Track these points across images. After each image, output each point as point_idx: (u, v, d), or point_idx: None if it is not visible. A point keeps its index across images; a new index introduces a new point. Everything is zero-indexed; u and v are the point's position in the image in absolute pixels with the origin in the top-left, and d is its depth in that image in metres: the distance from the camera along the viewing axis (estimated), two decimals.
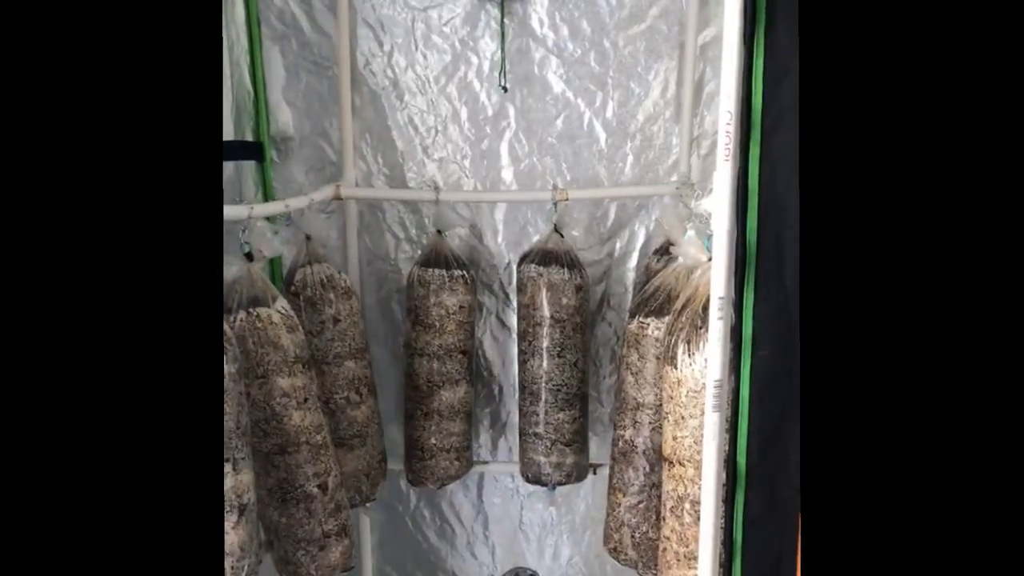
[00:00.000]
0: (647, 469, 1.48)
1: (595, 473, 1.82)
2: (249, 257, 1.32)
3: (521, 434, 1.76)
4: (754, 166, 1.00)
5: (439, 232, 1.69)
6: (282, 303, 1.36)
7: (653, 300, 1.44)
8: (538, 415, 1.69)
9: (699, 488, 1.11)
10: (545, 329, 1.65)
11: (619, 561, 1.57)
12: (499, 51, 1.70)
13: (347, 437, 1.62)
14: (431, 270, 1.66)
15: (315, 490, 1.37)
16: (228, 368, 1.12)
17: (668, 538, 1.27)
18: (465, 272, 1.69)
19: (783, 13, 0.95)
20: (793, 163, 0.95)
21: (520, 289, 1.70)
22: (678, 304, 1.27)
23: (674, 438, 1.24)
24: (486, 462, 1.94)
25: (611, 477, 1.57)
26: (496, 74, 1.71)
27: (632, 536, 1.52)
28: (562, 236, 1.67)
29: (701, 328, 1.18)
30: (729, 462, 1.09)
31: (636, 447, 1.48)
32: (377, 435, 1.70)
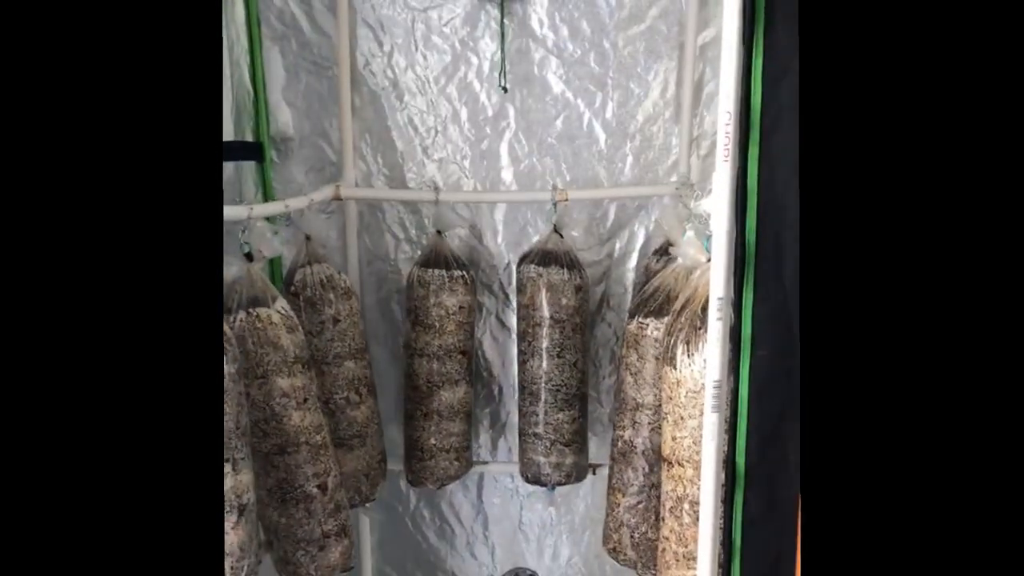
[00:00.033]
0: (646, 469, 1.48)
1: (595, 473, 1.82)
2: (249, 257, 1.32)
3: (521, 434, 1.76)
4: (753, 166, 1.00)
5: (439, 232, 1.69)
6: (282, 303, 1.36)
7: (652, 300, 1.45)
8: (537, 415, 1.69)
9: (698, 488, 1.11)
10: (545, 329, 1.66)
11: (618, 561, 1.57)
12: (499, 51, 1.70)
13: (347, 437, 1.62)
14: (431, 270, 1.66)
15: (315, 490, 1.37)
16: (227, 368, 1.12)
17: (667, 538, 1.27)
18: (465, 272, 1.69)
19: (782, 13, 0.95)
20: (792, 163, 0.95)
21: (520, 289, 1.70)
22: (677, 304, 1.27)
23: (673, 438, 1.24)
24: (486, 462, 1.94)
25: (610, 477, 1.57)
26: (496, 74, 1.71)
27: (631, 536, 1.52)
28: (562, 236, 1.67)
29: (700, 328, 1.18)
30: (728, 462, 1.09)
31: (635, 447, 1.48)
32: (377, 435, 1.70)
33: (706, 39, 1.70)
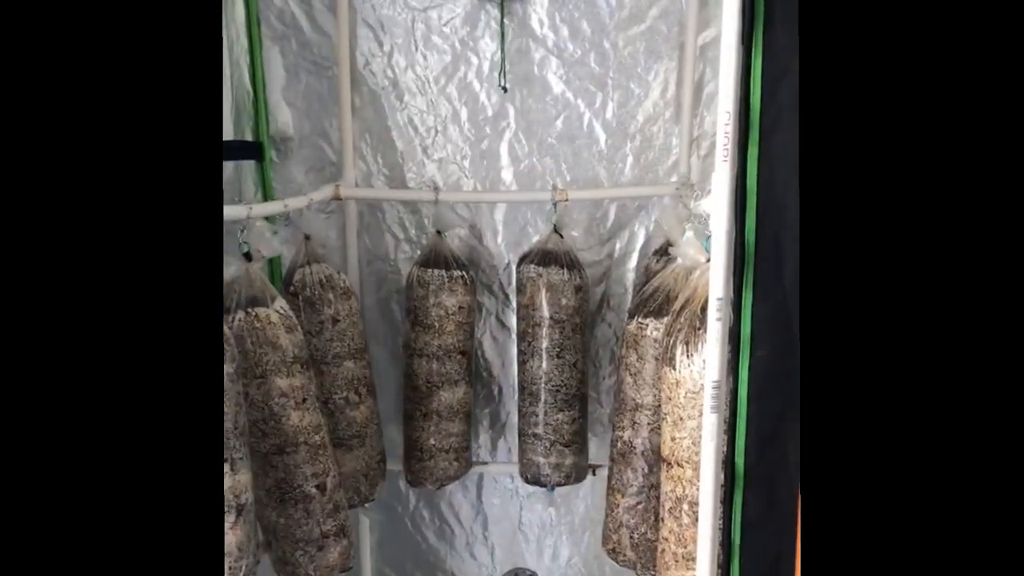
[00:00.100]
0: (646, 470, 1.48)
1: (594, 474, 1.82)
2: (248, 257, 1.32)
3: (520, 435, 1.76)
4: (752, 166, 1.00)
5: (439, 232, 1.69)
6: (281, 303, 1.36)
7: (652, 301, 1.44)
8: (537, 416, 1.69)
9: (697, 489, 1.11)
10: (544, 330, 1.65)
11: (617, 562, 1.57)
12: (499, 51, 1.70)
13: (346, 437, 1.62)
14: (430, 270, 1.66)
15: (313, 490, 1.37)
16: (225, 368, 1.12)
17: (666, 539, 1.27)
18: (464, 273, 1.69)
19: (781, 13, 0.95)
20: (792, 163, 0.95)
21: (519, 290, 1.70)
22: (677, 305, 1.27)
23: (672, 439, 1.24)
24: (485, 463, 1.94)
25: (610, 478, 1.57)
26: (496, 74, 1.71)
27: (631, 537, 1.52)
28: (562, 237, 1.67)
29: (700, 329, 1.18)
30: (727, 463, 1.08)
31: (635, 448, 1.48)
32: (376, 435, 1.70)
33: (706, 39, 1.70)
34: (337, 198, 1.68)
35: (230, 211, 1.22)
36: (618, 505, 1.53)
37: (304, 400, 1.36)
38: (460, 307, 1.67)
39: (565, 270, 1.65)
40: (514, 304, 1.78)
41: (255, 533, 1.26)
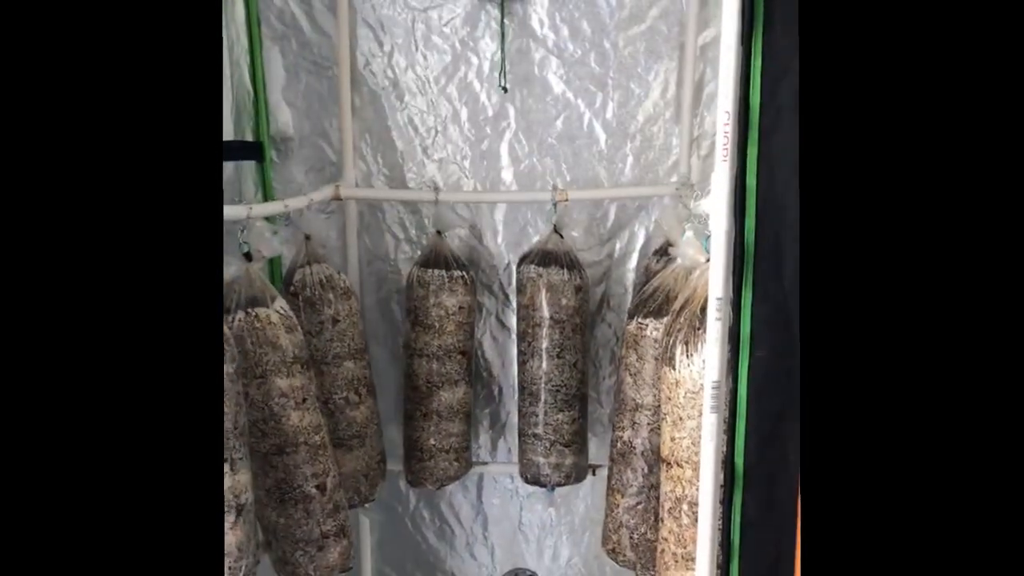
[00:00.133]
0: (645, 470, 1.47)
1: (594, 474, 1.82)
2: (248, 257, 1.32)
3: (520, 435, 1.76)
4: (752, 166, 1.00)
5: (439, 232, 1.69)
6: (281, 303, 1.36)
7: (652, 301, 1.44)
8: (537, 416, 1.69)
9: (697, 489, 1.11)
10: (544, 330, 1.65)
11: (617, 562, 1.57)
12: (499, 51, 1.70)
13: (346, 438, 1.62)
14: (431, 271, 1.66)
15: (313, 490, 1.37)
16: (225, 368, 1.12)
17: (666, 539, 1.27)
18: (465, 273, 1.69)
19: (781, 14, 0.95)
20: (791, 163, 0.95)
21: (520, 290, 1.70)
22: (676, 305, 1.27)
23: (672, 439, 1.24)
24: (485, 463, 1.94)
25: (609, 478, 1.57)
26: (496, 74, 1.71)
27: (630, 537, 1.52)
28: (562, 237, 1.67)
29: (699, 329, 1.18)
30: (727, 463, 1.08)
31: (634, 448, 1.48)
32: (376, 436, 1.70)
33: (706, 39, 1.70)
34: (337, 198, 1.68)
35: (230, 211, 1.22)
36: (618, 505, 1.53)
37: (304, 400, 1.36)
38: (460, 307, 1.67)
39: (565, 270, 1.65)
40: (514, 304, 1.78)
41: (255, 533, 1.26)
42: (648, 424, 1.45)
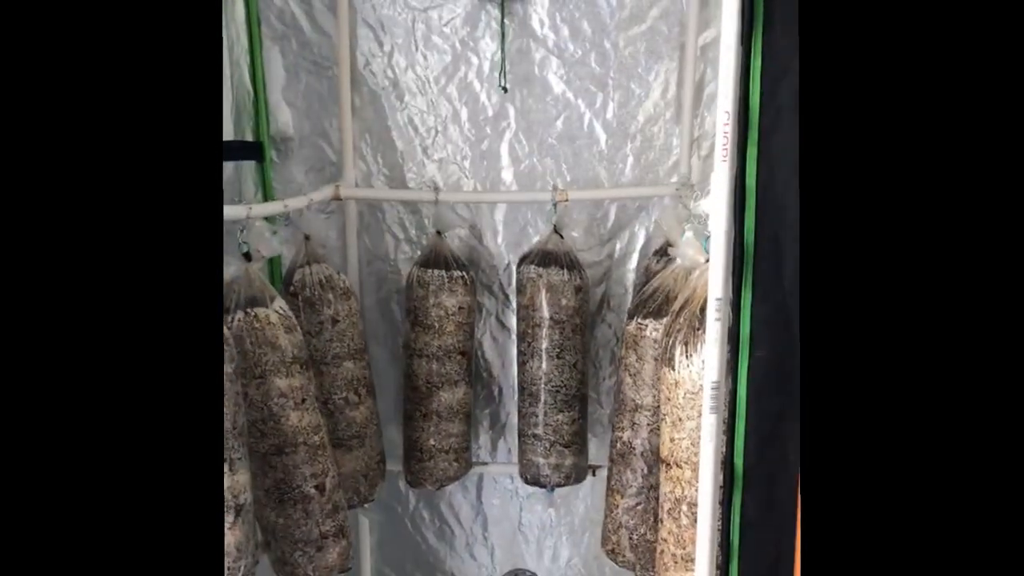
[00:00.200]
0: (645, 471, 1.47)
1: (594, 475, 1.81)
2: (247, 257, 1.32)
3: (520, 435, 1.75)
4: (752, 166, 1.00)
5: (439, 233, 1.69)
6: (280, 303, 1.36)
7: (652, 301, 1.44)
8: (537, 416, 1.69)
9: (696, 490, 1.10)
10: (544, 330, 1.65)
11: (617, 563, 1.57)
12: (499, 52, 1.70)
13: (345, 438, 1.62)
14: (430, 271, 1.66)
15: (312, 491, 1.37)
16: (224, 368, 1.12)
17: (665, 540, 1.27)
18: (464, 273, 1.69)
19: (781, 14, 0.95)
20: (791, 163, 0.95)
21: (519, 290, 1.70)
22: (676, 305, 1.27)
23: (671, 440, 1.24)
24: (485, 463, 1.94)
25: (609, 479, 1.57)
26: (496, 75, 1.71)
27: (630, 538, 1.52)
28: (562, 237, 1.67)
29: (699, 329, 1.18)
30: (726, 464, 1.08)
31: (634, 449, 1.48)
32: (376, 436, 1.70)
33: (707, 40, 1.70)
34: (337, 198, 1.68)
35: (230, 211, 1.22)
36: (617, 506, 1.53)
37: (303, 400, 1.36)
38: (460, 307, 1.67)
39: (565, 271, 1.64)
40: (514, 305, 1.78)
41: (254, 533, 1.26)
42: (648, 425, 1.45)
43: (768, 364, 1.03)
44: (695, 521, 1.11)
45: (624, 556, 1.53)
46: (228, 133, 1.58)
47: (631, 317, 1.49)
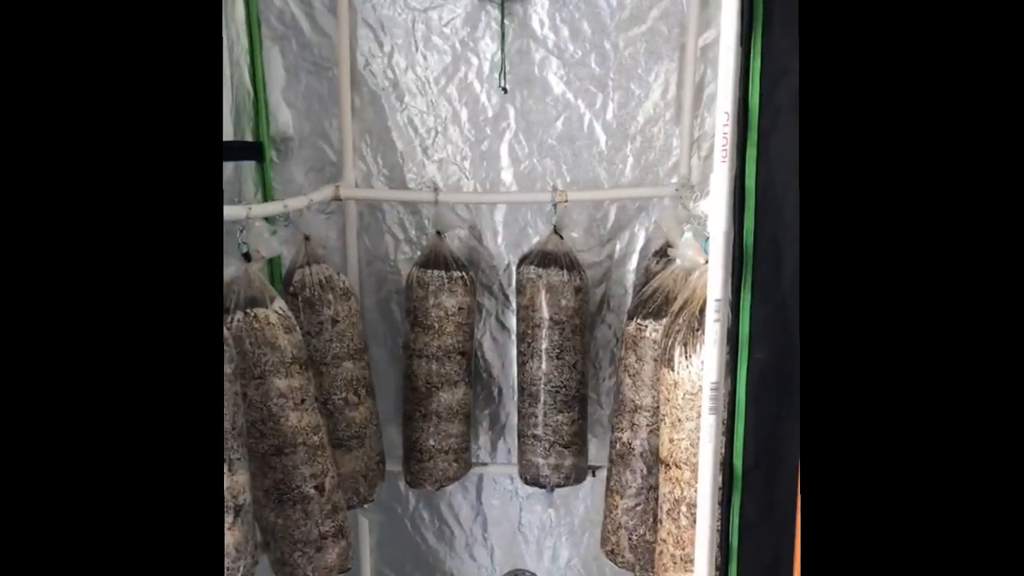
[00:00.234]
0: (644, 471, 1.47)
1: (594, 475, 1.81)
2: (247, 257, 1.32)
3: (520, 436, 1.75)
4: (751, 167, 1.00)
5: (438, 233, 1.69)
6: (279, 304, 1.36)
7: (651, 302, 1.44)
8: (537, 417, 1.69)
9: (695, 491, 1.10)
10: (544, 331, 1.65)
11: (616, 563, 1.57)
12: (499, 52, 1.70)
13: (345, 438, 1.62)
14: (430, 271, 1.66)
15: (312, 491, 1.37)
16: (224, 368, 1.12)
17: (664, 541, 1.27)
18: (464, 273, 1.69)
19: (780, 14, 0.95)
20: (790, 164, 0.95)
21: (519, 291, 1.70)
22: (675, 306, 1.27)
23: (671, 440, 1.24)
24: (485, 464, 1.94)
25: (609, 479, 1.57)
26: (496, 75, 1.71)
27: (629, 539, 1.52)
28: (561, 238, 1.67)
29: (698, 330, 1.18)
30: (725, 465, 1.08)
31: (633, 449, 1.48)
32: (375, 436, 1.70)
33: (707, 40, 1.69)
34: (337, 198, 1.68)
35: (229, 211, 1.22)
36: (617, 507, 1.53)
37: (303, 401, 1.36)
38: (460, 308, 1.67)
39: (565, 271, 1.64)
40: (514, 305, 1.78)
41: (253, 534, 1.26)
42: (647, 425, 1.45)
43: (767, 365, 1.03)
44: (694, 522, 1.11)
45: (623, 557, 1.53)
46: (228, 133, 1.58)
47: (630, 318, 1.49)
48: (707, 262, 1.05)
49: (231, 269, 1.29)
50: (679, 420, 1.21)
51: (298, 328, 1.38)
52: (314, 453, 1.37)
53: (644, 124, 1.75)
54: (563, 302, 1.64)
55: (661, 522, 1.28)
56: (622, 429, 1.50)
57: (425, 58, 1.72)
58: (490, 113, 1.74)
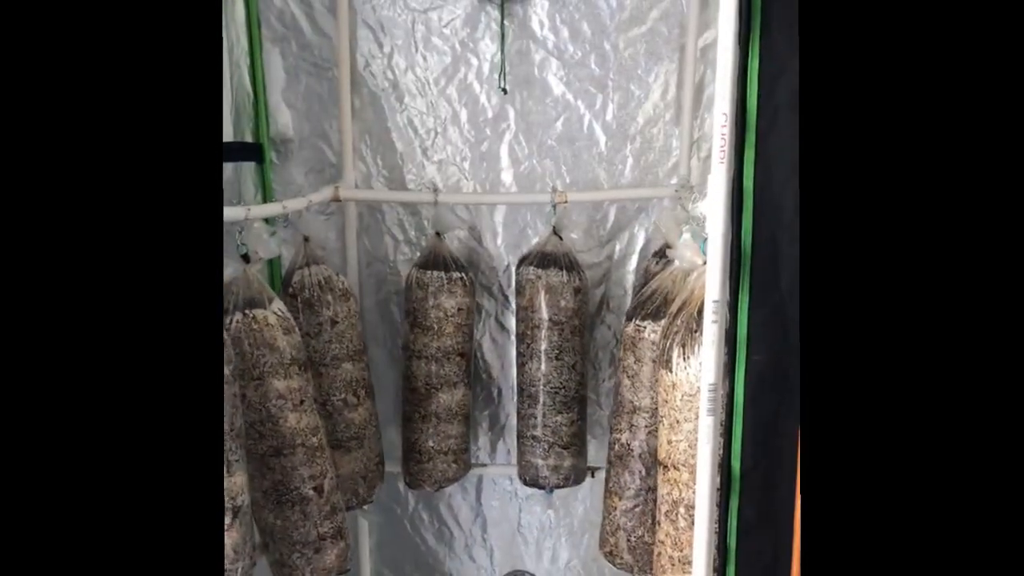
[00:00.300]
0: (643, 473, 1.47)
1: (593, 476, 1.81)
2: (246, 259, 1.32)
3: (519, 437, 1.75)
4: (749, 168, 1.00)
5: (438, 234, 1.69)
6: (278, 305, 1.36)
7: (650, 303, 1.44)
8: (536, 418, 1.69)
9: (694, 492, 1.10)
10: (543, 332, 1.65)
11: (615, 565, 1.57)
12: (499, 53, 1.70)
13: (344, 439, 1.62)
14: (430, 272, 1.66)
15: (311, 492, 1.37)
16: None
17: (663, 542, 1.27)
18: (464, 274, 1.69)
19: (778, 15, 0.95)
20: (788, 164, 0.95)
21: (519, 291, 1.69)
22: (674, 307, 1.27)
23: (669, 442, 1.23)
24: (485, 465, 1.94)
25: (607, 481, 1.57)
26: (496, 76, 1.71)
27: (628, 540, 1.52)
28: (561, 238, 1.67)
29: (696, 331, 1.18)
30: (723, 466, 1.08)
31: (632, 451, 1.48)
32: (374, 437, 1.70)
33: (707, 41, 1.69)
34: (337, 199, 1.68)
35: (229, 212, 1.22)
36: (615, 508, 1.53)
37: (301, 402, 1.36)
38: (459, 309, 1.67)
39: (564, 272, 1.64)
40: (513, 306, 1.78)
41: (251, 535, 1.26)
42: (646, 427, 1.45)
43: (765, 366, 1.03)
44: (692, 523, 1.11)
45: (622, 558, 1.53)
46: (228, 134, 1.58)
47: (629, 319, 1.49)
48: (705, 263, 1.05)
49: (229, 270, 1.29)
50: (677, 421, 1.21)
51: (297, 329, 1.38)
52: (313, 454, 1.37)
53: (644, 125, 1.75)
54: (562, 303, 1.64)
55: (659, 524, 1.28)
56: (621, 430, 1.50)
57: (425, 59, 1.72)
58: (490, 114, 1.74)
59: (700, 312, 1.14)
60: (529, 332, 1.67)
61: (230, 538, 1.15)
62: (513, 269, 1.76)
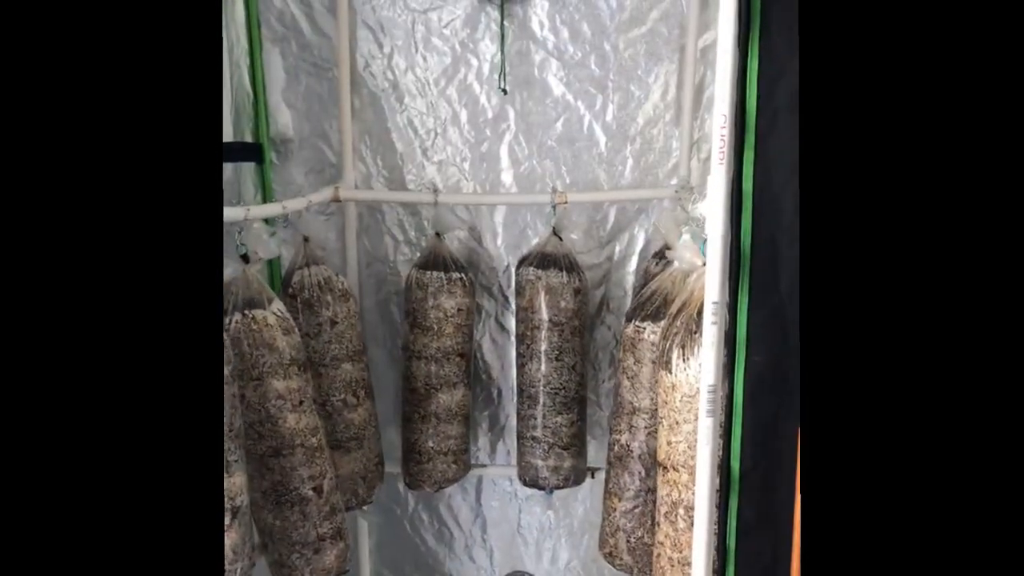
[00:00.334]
0: (642, 474, 1.47)
1: (593, 477, 1.81)
2: (245, 259, 1.32)
3: (519, 437, 1.75)
4: (748, 169, 1.00)
5: (438, 234, 1.69)
6: (278, 305, 1.36)
7: (649, 304, 1.44)
8: (536, 418, 1.69)
9: (693, 493, 1.10)
10: (543, 332, 1.65)
11: (614, 566, 1.57)
12: (499, 53, 1.70)
13: (344, 440, 1.62)
14: (429, 272, 1.66)
15: (310, 493, 1.37)
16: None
17: (662, 543, 1.27)
18: (464, 275, 1.69)
19: (778, 16, 0.95)
20: (787, 165, 0.95)
21: (519, 292, 1.69)
22: (673, 308, 1.27)
23: (668, 443, 1.23)
24: (484, 465, 1.94)
25: (607, 482, 1.57)
26: (496, 76, 1.71)
27: (627, 541, 1.52)
28: (561, 239, 1.67)
29: (696, 333, 1.18)
30: (723, 467, 1.08)
31: (631, 452, 1.48)
32: (374, 438, 1.70)
33: (707, 42, 1.69)
34: (336, 200, 1.68)
35: (228, 213, 1.22)
36: (615, 509, 1.53)
37: (301, 402, 1.36)
38: (459, 309, 1.67)
39: (564, 273, 1.64)
40: (513, 307, 1.78)
41: (250, 536, 1.26)
42: (645, 428, 1.45)
43: (764, 367, 1.03)
44: (692, 525, 1.11)
45: (621, 559, 1.53)
46: (228, 135, 1.58)
47: (629, 320, 1.49)
48: (705, 264, 1.05)
49: (229, 270, 1.29)
50: (677, 423, 1.21)
51: (296, 329, 1.38)
52: (312, 454, 1.37)
53: (644, 126, 1.75)
54: (562, 304, 1.64)
55: (659, 525, 1.28)
56: (620, 431, 1.50)
57: (425, 59, 1.72)
58: (490, 114, 1.74)
59: (700, 313, 1.14)
60: (529, 333, 1.67)
61: (229, 538, 1.15)
62: (513, 270, 1.76)
